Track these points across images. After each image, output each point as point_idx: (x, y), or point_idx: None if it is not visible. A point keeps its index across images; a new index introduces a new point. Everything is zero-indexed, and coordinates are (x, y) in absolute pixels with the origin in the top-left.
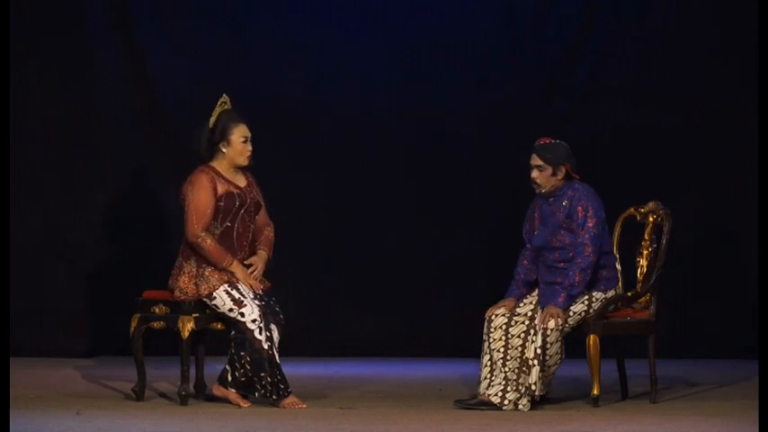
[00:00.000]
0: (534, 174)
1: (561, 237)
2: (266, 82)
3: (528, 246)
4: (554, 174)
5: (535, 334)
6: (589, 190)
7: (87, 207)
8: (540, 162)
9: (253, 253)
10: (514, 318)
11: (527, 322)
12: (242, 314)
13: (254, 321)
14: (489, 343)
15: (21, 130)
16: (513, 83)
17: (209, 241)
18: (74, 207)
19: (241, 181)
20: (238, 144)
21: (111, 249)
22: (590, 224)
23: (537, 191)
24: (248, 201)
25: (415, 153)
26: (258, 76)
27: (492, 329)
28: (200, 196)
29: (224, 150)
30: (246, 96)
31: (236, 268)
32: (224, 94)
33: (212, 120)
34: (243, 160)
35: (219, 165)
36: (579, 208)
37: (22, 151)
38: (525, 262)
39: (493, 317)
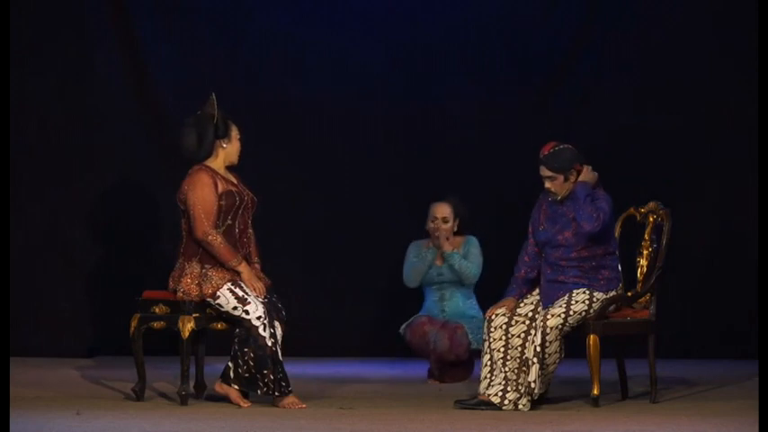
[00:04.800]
0: (548, 184)
1: (567, 235)
2: (266, 82)
3: (531, 239)
4: (566, 179)
5: (535, 333)
6: (604, 195)
7: (87, 207)
8: (549, 173)
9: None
10: (515, 318)
11: (527, 322)
12: (246, 311)
13: (258, 318)
14: (489, 343)
15: (21, 130)
16: (513, 83)
17: (219, 239)
18: (74, 207)
19: (233, 179)
20: (236, 141)
21: (111, 249)
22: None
23: (552, 198)
24: (246, 198)
25: (416, 153)
26: (258, 76)
27: (492, 329)
28: (205, 194)
29: (224, 146)
30: (246, 96)
31: (244, 269)
32: (212, 94)
33: (216, 117)
34: (237, 158)
35: (214, 163)
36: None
37: (22, 151)
38: (527, 258)
39: (493, 317)
